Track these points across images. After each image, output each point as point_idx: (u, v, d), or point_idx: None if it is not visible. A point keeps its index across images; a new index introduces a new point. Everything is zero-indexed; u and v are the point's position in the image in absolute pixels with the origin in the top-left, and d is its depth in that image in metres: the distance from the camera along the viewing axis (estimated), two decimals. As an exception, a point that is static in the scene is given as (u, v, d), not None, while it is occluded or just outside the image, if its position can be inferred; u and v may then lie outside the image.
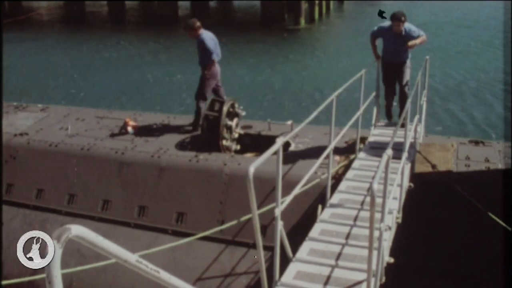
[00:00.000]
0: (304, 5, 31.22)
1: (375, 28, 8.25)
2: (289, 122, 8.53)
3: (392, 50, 8.07)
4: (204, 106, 8.35)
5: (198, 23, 8.31)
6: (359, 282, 4.28)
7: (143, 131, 8.52)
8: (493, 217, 5.83)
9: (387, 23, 8.04)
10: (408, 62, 8.23)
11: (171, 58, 23.76)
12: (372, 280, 3.99)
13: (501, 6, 31.69)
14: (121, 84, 19.97)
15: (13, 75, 19.65)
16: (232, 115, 7.88)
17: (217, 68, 8.45)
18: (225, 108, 7.57)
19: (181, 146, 7.84)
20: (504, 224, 5.72)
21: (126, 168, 7.53)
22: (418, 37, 7.93)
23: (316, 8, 32.58)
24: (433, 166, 6.94)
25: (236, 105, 8.01)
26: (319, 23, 33.02)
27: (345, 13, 37.73)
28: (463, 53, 23.76)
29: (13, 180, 7.98)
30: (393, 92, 8.50)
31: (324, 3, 33.99)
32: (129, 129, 8.51)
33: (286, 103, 17.29)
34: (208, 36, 8.34)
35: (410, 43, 7.81)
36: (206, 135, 7.68)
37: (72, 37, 29.48)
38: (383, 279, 4.51)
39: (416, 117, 6.94)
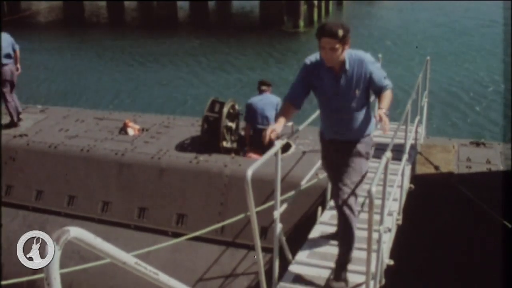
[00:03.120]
0: (303, 7, 31.14)
1: (295, 81, 4.24)
2: (290, 124, 8.50)
3: (334, 105, 4.18)
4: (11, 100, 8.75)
5: None
6: (358, 285, 4.26)
7: (143, 132, 8.52)
8: (502, 220, 5.81)
9: (316, 54, 4.18)
10: (365, 144, 4.33)
11: (170, 59, 23.75)
12: (371, 282, 3.98)
13: (501, 6, 31.66)
14: (120, 85, 19.96)
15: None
16: (232, 116, 7.87)
17: (8, 69, 8.66)
18: (225, 110, 7.56)
19: (181, 147, 7.83)
20: (508, 225, 5.70)
21: (126, 170, 7.51)
22: (380, 81, 4.06)
23: (315, 10, 32.48)
24: (434, 168, 6.93)
25: (237, 106, 8.00)
26: (318, 25, 32.89)
27: (344, 15, 37.64)
28: (464, 54, 23.73)
29: (12, 181, 7.96)
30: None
31: (323, 4, 33.88)
32: (129, 130, 8.51)
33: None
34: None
35: (380, 110, 3.89)
36: (206, 137, 7.67)
37: (71, 38, 29.44)
38: (383, 281, 4.50)
39: (417, 118, 6.92)
